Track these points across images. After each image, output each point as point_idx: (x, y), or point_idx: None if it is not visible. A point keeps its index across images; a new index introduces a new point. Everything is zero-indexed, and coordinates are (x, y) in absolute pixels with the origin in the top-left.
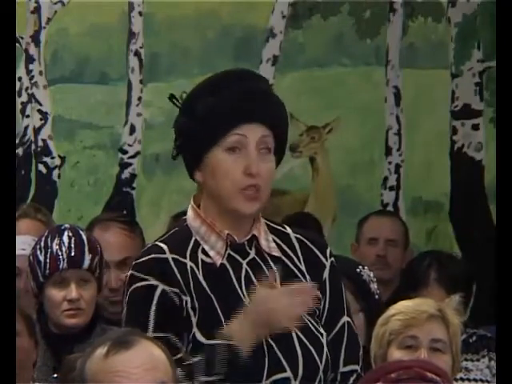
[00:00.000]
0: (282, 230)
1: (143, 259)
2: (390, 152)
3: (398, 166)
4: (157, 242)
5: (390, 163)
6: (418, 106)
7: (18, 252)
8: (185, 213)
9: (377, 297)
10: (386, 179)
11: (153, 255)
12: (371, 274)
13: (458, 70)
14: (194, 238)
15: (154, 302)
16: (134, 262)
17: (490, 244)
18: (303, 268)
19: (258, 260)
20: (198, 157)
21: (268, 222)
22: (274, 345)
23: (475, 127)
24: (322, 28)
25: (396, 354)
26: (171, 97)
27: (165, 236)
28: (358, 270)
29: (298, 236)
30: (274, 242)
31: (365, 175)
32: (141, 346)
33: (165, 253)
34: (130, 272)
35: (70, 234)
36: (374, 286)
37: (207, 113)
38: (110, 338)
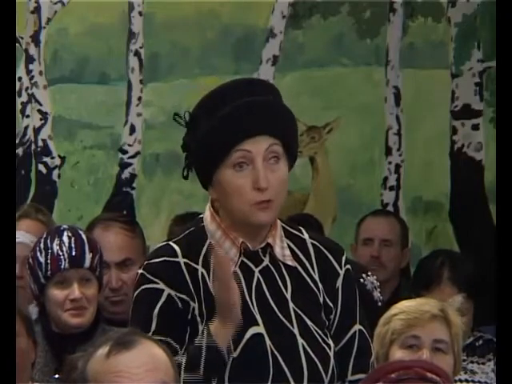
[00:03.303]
0: (299, 235)
1: (155, 261)
2: (390, 152)
3: (397, 166)
4: (170, 242)
5: (390, 163)
6: (418, 106)
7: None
8: (183, 216)
9: (379, 304)
10: (386, 179)
11: (165, 258)
12: (375, 281)
13: (458, 70)
14: (208, 242)
15: (159, 305)
16: (145, 262)
17: (489, 244)
18: (316, 277)
19: (272, 268)
20: (207, 176)
21: (285, 226)
22: (278, 355)
23: (475, 127)
24: (321, 28)
25: (398, 354)
26: (175, 116)
27: (180, 236)
28: (361, 279)
29: (314, 242)
30: (289, 247)
31: (365, 175)
32: (142, 346)
33: (177, 256)
34: (141, 271)
35: (70, 234)
36: (376, 294)
37: (208, 133)
38: (111, 338)
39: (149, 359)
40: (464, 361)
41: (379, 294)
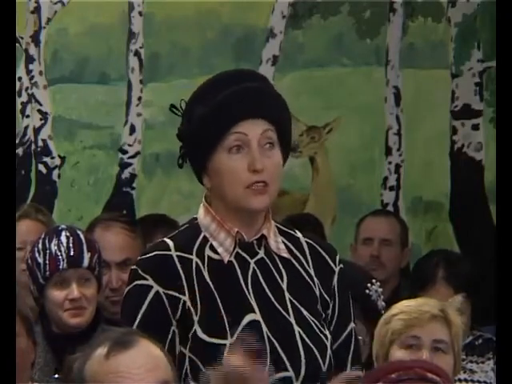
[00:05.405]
0: (292, 233)
1: (147, 256)
2: (390, 152)
3: (397, 166)
4: (164, 238)
5: (390, 163)
6: (418, 106)
7: None
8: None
9: (383, 312)
10: (386, 179)
11: (157, 252)
12: (379, 289)
13: (458, 70)
14: (203, 235)
15: (146, 303)
16: (139, 257)
17: (489, 244)
18: (312, 272)
19: (267, 260)
20: (202, 162)
21: (278, 225)
22: (276, 343)
23: (475, 127)
24: (322, 28)
25: (398, 354)
26: (171, 107)
27: (174, 232)
28: (366, 291)
29: (307, 240)
30: (284, 243)
31: (365, 175)
32: (141, 346)
33: (170, 250)
34: (134, 267)
35: (68, 234)
36: (380, 303)
37: (204, 116)
38: (109, 338)
39: (149, 359)
40: (463, 360)
41: (383, 303)
